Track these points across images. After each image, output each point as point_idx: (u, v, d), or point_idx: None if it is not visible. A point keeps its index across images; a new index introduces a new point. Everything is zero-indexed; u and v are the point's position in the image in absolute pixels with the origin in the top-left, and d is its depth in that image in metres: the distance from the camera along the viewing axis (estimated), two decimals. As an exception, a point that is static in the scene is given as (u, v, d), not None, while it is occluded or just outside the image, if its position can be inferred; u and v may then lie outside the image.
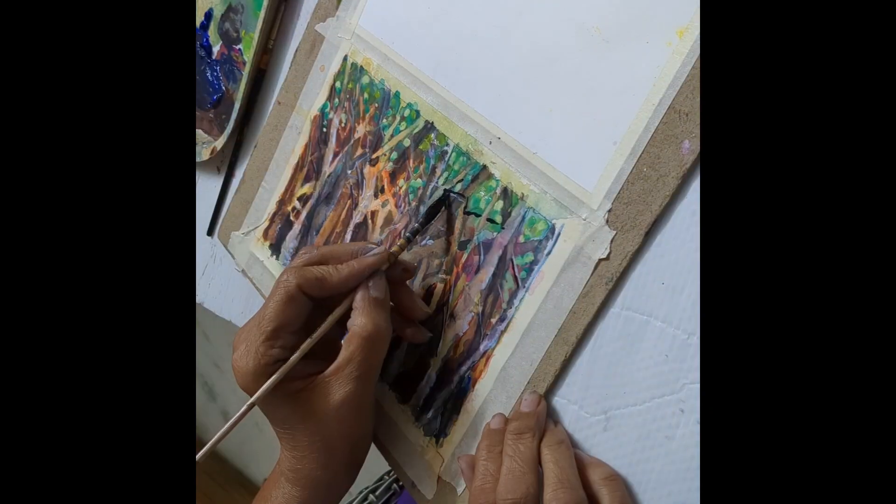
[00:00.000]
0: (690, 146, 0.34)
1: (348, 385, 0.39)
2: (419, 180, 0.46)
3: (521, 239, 0.40)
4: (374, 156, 0.49)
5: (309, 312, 0.41)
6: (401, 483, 0.68)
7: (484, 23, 0.43)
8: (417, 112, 0.47)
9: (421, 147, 0.46)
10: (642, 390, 0.35)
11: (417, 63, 0.47)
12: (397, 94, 0.48)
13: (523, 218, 0.40)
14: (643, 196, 0.35)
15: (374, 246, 0.42)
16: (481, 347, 0.41)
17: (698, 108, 0.33)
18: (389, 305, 0.41)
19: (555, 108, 0.39)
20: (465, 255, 0.43)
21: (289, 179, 0.55)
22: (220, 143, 0.61)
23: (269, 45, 0.58)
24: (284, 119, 0.56)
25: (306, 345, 0.40)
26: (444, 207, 0.44)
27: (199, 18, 0.63)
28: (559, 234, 0.38)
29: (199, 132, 0.65)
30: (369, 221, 0.49)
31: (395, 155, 0.48)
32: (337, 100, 0.52)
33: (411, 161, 0.47)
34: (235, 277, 0.62)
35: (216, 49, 0.62)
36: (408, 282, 0.44)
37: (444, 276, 0.44)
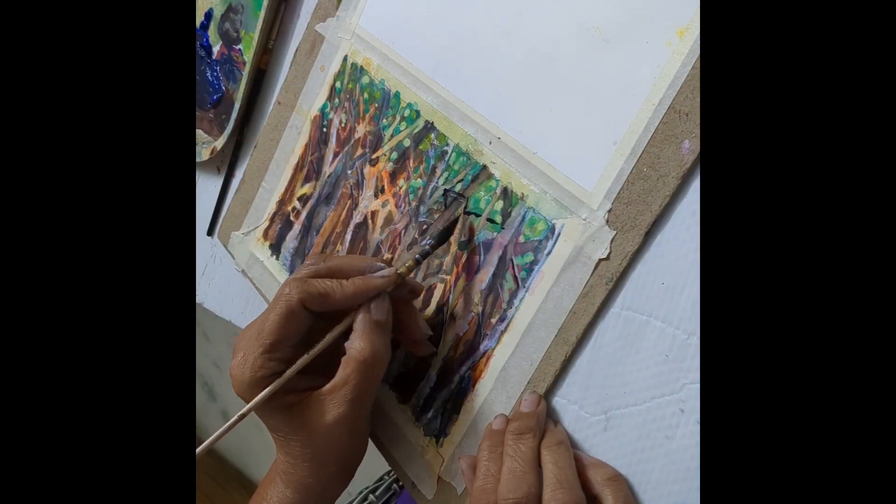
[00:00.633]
0: (690, 146, 0.34)
1: (342, 407, 0.39)
2: (419, 180, 0.46)
3: (521, 239, 0.40)
4: (374, 156, 0.49)
5: (310, 326, 0.40)
6: (401, 483, 0.68)
7: (484, 23, 0.43)
8: (417, 112, 0.47)
9: (421, 147, 0.46)
10: (642, 390, 0.35)
11: (417, 63, 0.47)
12: (397, 94, 0.48)
13: (523, 218, 0.40)
14: (643, 196, 0.35)
15: (382, 265, 0.41)
16: (481, 347, 0.41)
17: (698, 108, 0.33)
18: (390, 328, 0.41)
19: (555, 107, 0.39)
20: (465, 256, 0.43)
21: (289, 179, 0.55)
22: (220, 143, 0.61)
23: (269, 45, 0.58)
24: (284, 119, 0.56)
25: (301, 361, 0.39)
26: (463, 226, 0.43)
27: (199, 18, 0.63)
28: (559, 234, 0.38)
29: (199, 132, 0.65)
30: (369, 221, 0.49)
31: (395, 155, 0.48)
32: (337, 100, 0.52)
33: (411, 161, 0.47)
34: (235, 277, 0.62)
35: (216, 49, 0.62)
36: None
37: (444, 276, 0.44)
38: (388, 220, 0.48)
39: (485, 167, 0.42)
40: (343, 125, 0.52)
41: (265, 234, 0.57)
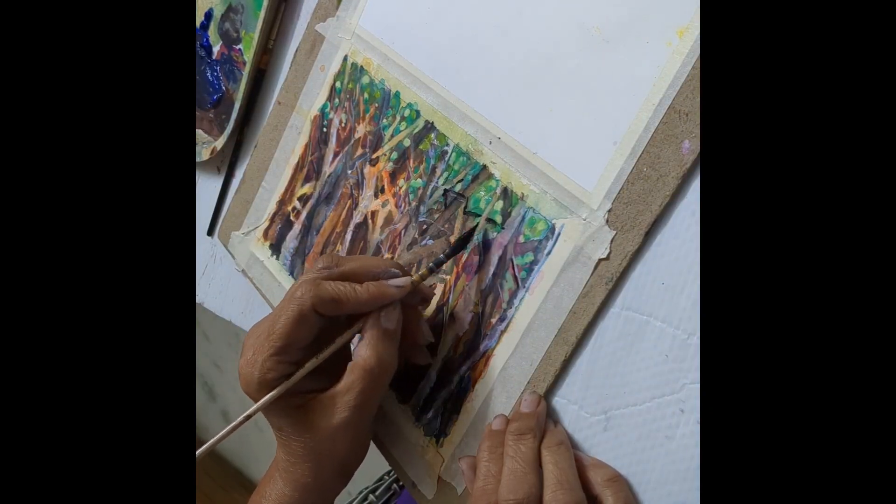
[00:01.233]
0: (690, 146, 0.34)
1: (345, 412, 0.39)
2: (419, 180, 0.46)
3: (521, 239, 0.40)
4: (374, 156, 0.49)
5: (321, 328, 0.40)
6: (401, 483, 0.68)
7: (484, 23, 0.43)
8: (417, 112, 0.47)
9: (421, 147, 0.46)
10: (642, 390, 0.35)
11: (417, 63, 0.47)
12: (397, 94, 0.48)
13: (523, 218, 0.40)
14: (643, 196, 0.35)
15: (397, 271, 0.41)
16: (481, 347, 0.41)
17: (698, 108, 0.33)
18: (399, 337, 0.41)
19: (555, 107, 0.39)
20: (465, 255, 0.43)
21: (289, 179, 0.55)
22: (220, 143, 0.61)
23: (269, 45, 0.58)
24: (284, 119, 0.56)
25: (309, 365, 0.39)
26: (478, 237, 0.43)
27: (199, 18, 0.63)
28: (559, 234, 0.38)
29: (199, 132, 0.65)
30: (369, 221, 0.49)
31: (395, 155, 0.48)
32: (337, 100, 0.52)
33: (411, 161, 0.47)
34: (235, 277, 0.62)
35: (216, 49, 0.62)
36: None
37: (444, 276, 0.44)
38: (388, 220, 0.48)
39: (485, 167, 0.42)
40: (343, 125, 0.52)
41: (265, 234, 0.57)
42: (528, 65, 0.41)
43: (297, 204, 0.54)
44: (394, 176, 0.48)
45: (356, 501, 0.69)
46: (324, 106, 0.53)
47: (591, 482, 0.36)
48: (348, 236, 0.50)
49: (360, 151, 0.50)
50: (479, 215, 0.42)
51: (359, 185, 0.50)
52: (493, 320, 0.41)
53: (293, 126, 0.55)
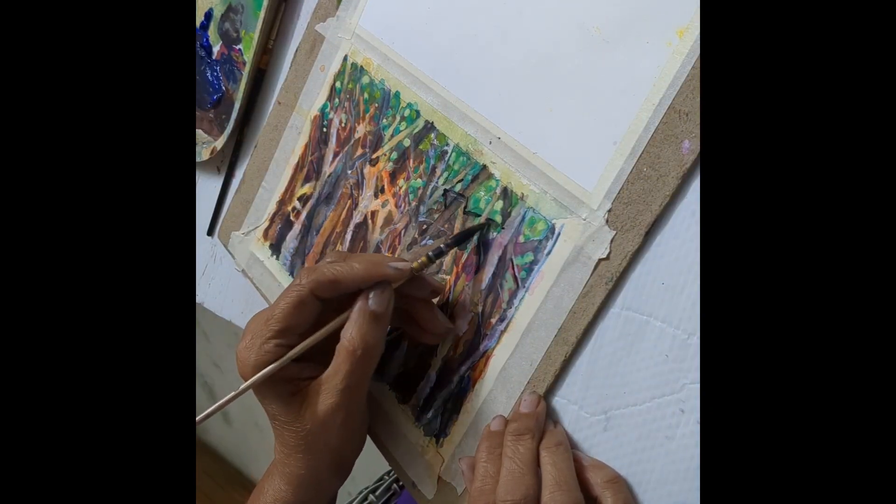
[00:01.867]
0: (690, 146, 0.34)
1: (333, 397, 0.39)
2: (419, 180, 0.46)
3: (521, 239, 0.40)
4: (374, 156, 0.49)
5: (318, 315, 0.40)
6: (401, 483, 0.68)
7: (484, 23, 0.43)
8: (417, 112, 0.47)
9: (421, 147, 0.46)
10: (642, 390, 0.35)
11: (417, 63, 0.47)
12: (397, 94, 0.48)
13: (523, 218, 0.40)
14: (643, 196, 0.35)
15: (401, 260, 0.41)
16: (481, 347, 0.41)
17: (698, 108, 0.33)
18: (388, 321, 0.40)
19: (555, 107, 0.39)
20: (464, 255, 0.43)
21: (289, 179, 0.55)
22: (220, 143, 0.61)
23: (269, 45, 0.58)
24: (284, 119, 0.56)
25: (300, 347, 0.39)
26: (476, 237, 0.42)
27: (199, 18, 0.63)
28: (559, 234, 0.38)
29: (199, 132, 0.65)
30: (369, 221, 0.49)
31: (395, 155, 0.48)
32: (337, 100, 0.52)
33: (411, 161, 0.47)
34: (235, 277, 0.62)
35: (216, 49, 0.62)
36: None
37: (443, 275, 0.44)
38: (388, 220, 0.48)
39: (485, 167, 0.42)
40: (343, 125, 0.52)
41: (265, 234, 0.57)
42: (528, 65, 0.41)
43: (297, 204, 0.54)
44: (394, 176, 0.48)
45: (356, 501, 0.69)
46: (324, 106, 0.53)
47: (590, 483, 0.36)
48: (348, 236, 0.50)
49: (360, 151, 0.50)
50: (479, 215, 0.42)
51: (359, 185, 0.50)
52: (493, 320, 0.41)
53: (293, 126, 0.55)
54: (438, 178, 0.45)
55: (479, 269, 0.42)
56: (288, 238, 0.55)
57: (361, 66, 0.51)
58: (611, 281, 0.36)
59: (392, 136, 0.48)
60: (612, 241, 0.36)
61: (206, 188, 0.65)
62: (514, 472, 0.36)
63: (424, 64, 0.46)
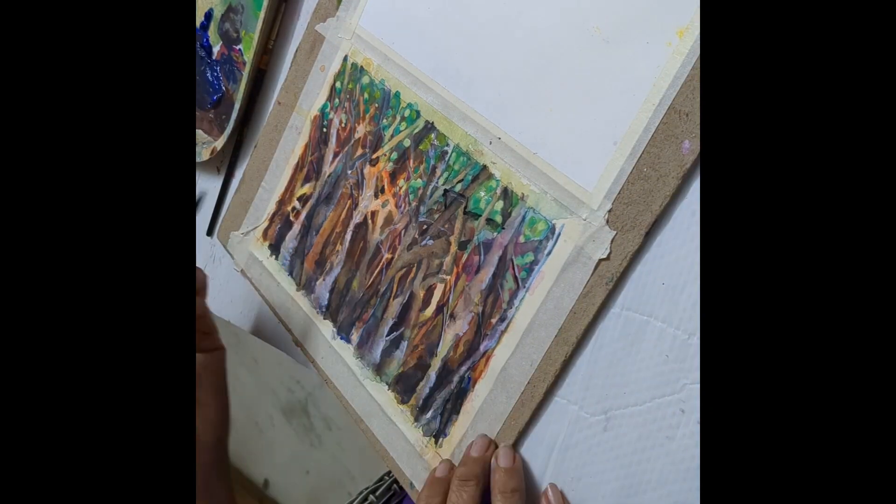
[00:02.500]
0: (690, 146, 0.34)
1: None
2: (419, 180, 0.46)
3: (522, 239, 0.40)
4: (374, 156, 0.49)
5: None
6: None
7: (484, 23, 0.43)
8: (418, 112, 0.47)
9: (421, 147, 0.46)
10: (642, 390, 0.35)
11: (417, 63, 0.47)
12: (397, 95, 0.48)
13: (523, 218, 0.40)
14: (643, 196, 0.35)
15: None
16: (481, 347, 0.41)
17: (698, 108, 0.33)
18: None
19: (555, 108, 0.39)
20: (465, 256, 0.43)
21: (289, 179, 0.55)
22: (220, 143, 0.61)
23: (269, 45, 0.58)
24: (284, 119, 0.56)
25: None
26: None
27: (199, 18, 0.63)
28: (559, 235, 0.38)
29: (199, 132, 0.65)
30: (369, 221, 0.49)
31: (395, 155, 0.48)
32: (337, 100, 0.52)
33: (411, 161, 0.47)
34: (235, 278, 0.62)
35: (216, 49, 0.62)
36: (410, 280, 0.44)
37: (444, 276, 0.44)
38: (388, 220, 0.48)
39: (485, 167, 0.42)
40: (343, 125, 0.52)
41: (265, 234, 0.57)
42: (528, 65, 0.41)
43: (296, 204, 0.54)
44: (394, 176, 0.48)
45: (356, 502, 0.69)
46: (324, 106, 0.53)
47: None
48: (348, 236, 0.50)
49: (360, 151, 0.50)
50: (480, 215, 0.42)
51: (359, 185, 0.50)
52: (494, 320, 0.41)
53: (293, 126, 0.55)
54: (439, 179, 0.45)
55: (479, 269, 0.42)
56: (287, 238, 0.55)
57: (361, 67, 0.51)
58: (611, 281, 0.36)
59: (392, 136, 0.48)
60: (612, 241, 0.36)
61: (206, 188, 0.65)
62: None
63: (424, 64, 0.46)
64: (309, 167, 0.54)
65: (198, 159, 0.62)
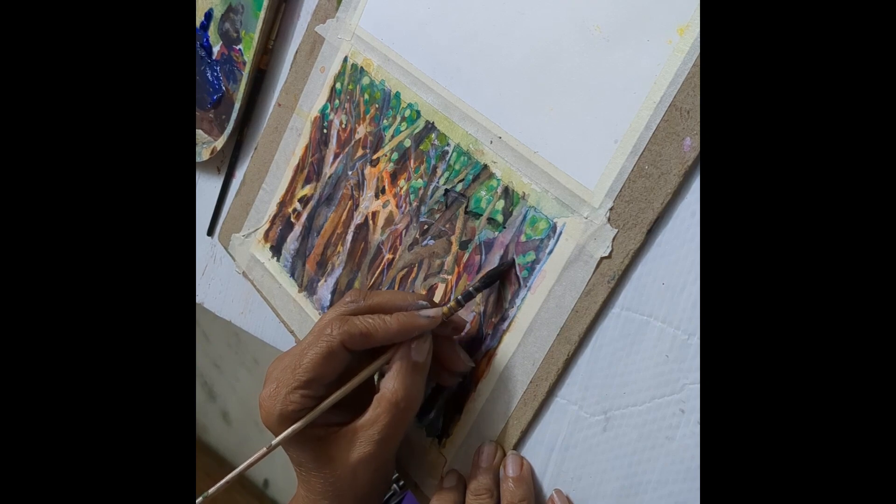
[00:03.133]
0: (692, 143, 0.34)
1: (368, 446, 0.38)
2: (420, 180, 0.46)
3: (523, 238, 0.40)
4: (374, 156, 0.49)
5: (347, 365, 0.39)
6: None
7: (484, 22, 0.43)
8: (418, 112, 0.47)
9: (422, 147, 0.46)
10: (642, 391, 0.35)
11: (417, 63, 0.47)
12: (398, 95, 0.48)
13: (524, 217, 0.40)
14: (645, 194, 0.35)
15: (425, 303, 0.40)
16: (483, 347, 0.41)
17: (699, 105, 0.33)
18: (428, 369, 0.40)
19: (555, 106, 0.39)
20: (466, 255, 0.43)
21: (289, 181, 0.55)
22: (220, 143, 0.61)
23: (269, 45, 0.58)
24: (285, 121, 0.56)
25: (335, 397, 0.38)
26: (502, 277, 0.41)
27: (199, 18, 0.63)
28: (561, 233, 0.38)
29: (199, 132, 0.65)
30: (370, 222, 0.49)
31: (395, 155, 0.48)
32: (337, 101, 0.52)
33: (412, 161, 0.47)
34: (235, 278, 0.62)
35: (216, 49, 0.62)
36: (411, 280, 0.44)
37: (445, 276, 0.44)
38: (389, 220, 0.48)
39: (486, 166, 0.42)
40: (343, 126, 0.52)
41: (266, 236, 0.57)
42: (528, 64, 0.41)
43: (297, 205, 0.54)
44: (394, 176, 0.48)
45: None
46: (324, 107, 0.53)
47: None
48: (349, 237, 0.50)
49: (360, 152, 0.50)
50: (481, 215, 0.42)
51: (359, 185, 0.50)
52: (495, 320, 0.41)
53: (293, 128, 0.55)
54: (439, 178, 0.45)
55: (480, 268, 0.42)
56: (288, 239, 0.55)
57: (361, 67, 0.50)
58: (613, 279, 0.36)
59: (392, 136, 0.48)
60: (613, 239, 0.36)
61: (206, 188, 0.65)
62: None
63: (424, 64, 0.46)
64: (309, 168, 0.54)
65: (198, 159, 0.62)
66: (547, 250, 0.39)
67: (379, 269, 0.48)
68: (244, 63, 0.59)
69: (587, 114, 0.38)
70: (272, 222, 0.56)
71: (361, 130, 0.50)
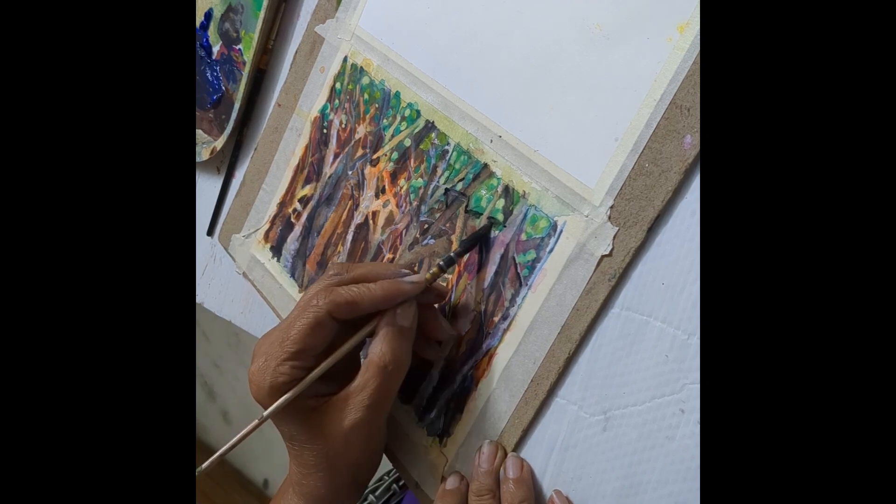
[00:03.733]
0: (692, 141, 0.34)
1: (359, 412, 0.39)
2: (420, 180, 0.46)
3: (523, 237, 0.40)
4: (374, 156, 0.49)
5: (335, 334, 0.40)
6: (401, 483, 0.68)
7: (484, 21, 0.43)
8: (418, 112, 0.47)
9: (422, 147, 0.46)
10: (642, 390, 0.35)
11: (417, 63, 0.47)
12: (397, 95, 0.48)
13: (525, 215, 0.40)
14: (645, 192, 0.35)
15: (408, 271, 0.41)
16: (484, 346, 0.41)
17: (699, 103, 0.33)
18: (414, 335, 0.40)
19: (556, 105, 0.39)
20: (466, 254, 0.43)
21: (289, 181, 0.55)
22: (219, 143, 0.61)
23: (269, 45, 0.58)
24: (285, 121, 0.56)
25: (324, 366, 0.39)
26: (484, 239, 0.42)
27: (199, 18, 0.63)
28: (561, 231, 0.38)
29: (199, 132, 0.65)
30: (370, 222, 0.49)
31: (395, 155, 0.48)
32: (337, 101, 0.52)
33: (412, 161, 0.47)
34: (235, 278, 0.62)
35: (216, 49, 0.62)
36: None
37: (446, 275, 0.44)
38: (390, 220, 0.48)
39: (486, 165, 0.42)
40: (343, 126, 0.51)
41: (266, 237, 0.57)
42: (528, 62, 0.41)
43: (297, 206, 0.54)
44: (394, 176, 0.48)
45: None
46: (324, 107, 0.53)
47: None
48: (349, 237, 0.50)
49: (360, 152, 0.50)
50: (481, 214, 0.42)
51: (359, 185, 0.50)
52: (496, 319, 0.41)
53: (293, 128, 0.55)
54: (439, 178, 0.45)
55: (481, 267, 0.42)
56: (289, 240, 0.55)
57: (361, 67, 0.50)
58: (613, 277, 0.36)
59: (392, 136, 0.48)
60: (614, 237, 0.36)
61: (206, 188, 0.65)
62: None
63: (424, 64, 0.46)
64: (309, 168, 0.54)
65: (198, 159, 0.62)
66: (547, 249, 0.39)
67: (379, 269, 0.48)
68: (244, 63, 0.59)
69: (587, 112, 0.38)
70: (272, 222, 0.56)
71: (361, 130, 0.50)
